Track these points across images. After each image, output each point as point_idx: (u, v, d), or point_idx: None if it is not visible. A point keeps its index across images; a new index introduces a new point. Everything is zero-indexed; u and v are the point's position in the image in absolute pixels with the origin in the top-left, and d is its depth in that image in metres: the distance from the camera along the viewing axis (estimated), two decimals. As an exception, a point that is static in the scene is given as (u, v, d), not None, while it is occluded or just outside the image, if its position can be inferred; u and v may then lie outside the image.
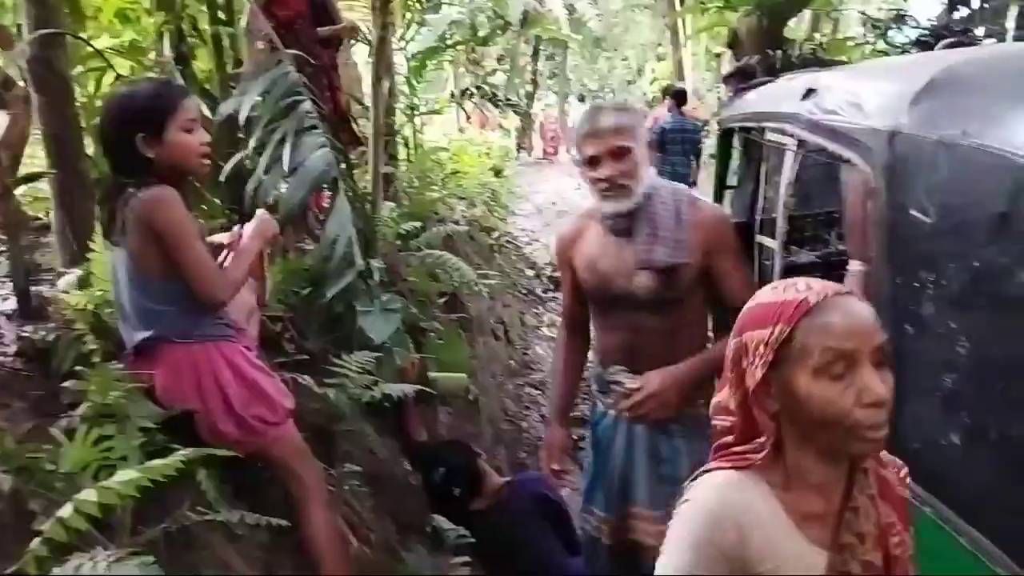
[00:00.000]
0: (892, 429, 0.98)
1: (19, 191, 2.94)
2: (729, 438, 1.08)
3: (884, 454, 1.08)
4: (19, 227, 3.23)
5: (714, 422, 1.12)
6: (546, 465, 2.37)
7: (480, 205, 7.85)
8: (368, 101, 4.47)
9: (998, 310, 1.21)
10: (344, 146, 3.30)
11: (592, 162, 1.97)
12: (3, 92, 3.07)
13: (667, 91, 8.59)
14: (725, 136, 2.97)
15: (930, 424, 1.33)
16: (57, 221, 2.73)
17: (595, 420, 2.30)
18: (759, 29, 6.39)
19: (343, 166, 2.95)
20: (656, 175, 2.09)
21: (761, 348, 1.00)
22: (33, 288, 2.36)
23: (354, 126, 4.17)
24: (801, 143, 1.92)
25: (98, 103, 3.52)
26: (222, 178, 2.98)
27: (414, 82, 6.54)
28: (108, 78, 3.50)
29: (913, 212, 1.36)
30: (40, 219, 3.51)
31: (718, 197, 3.07)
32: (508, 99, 10.70)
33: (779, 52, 4.08)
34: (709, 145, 8.92)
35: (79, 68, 3.53)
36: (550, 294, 7.45)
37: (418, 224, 4.45)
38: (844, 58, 6.29)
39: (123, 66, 3.77)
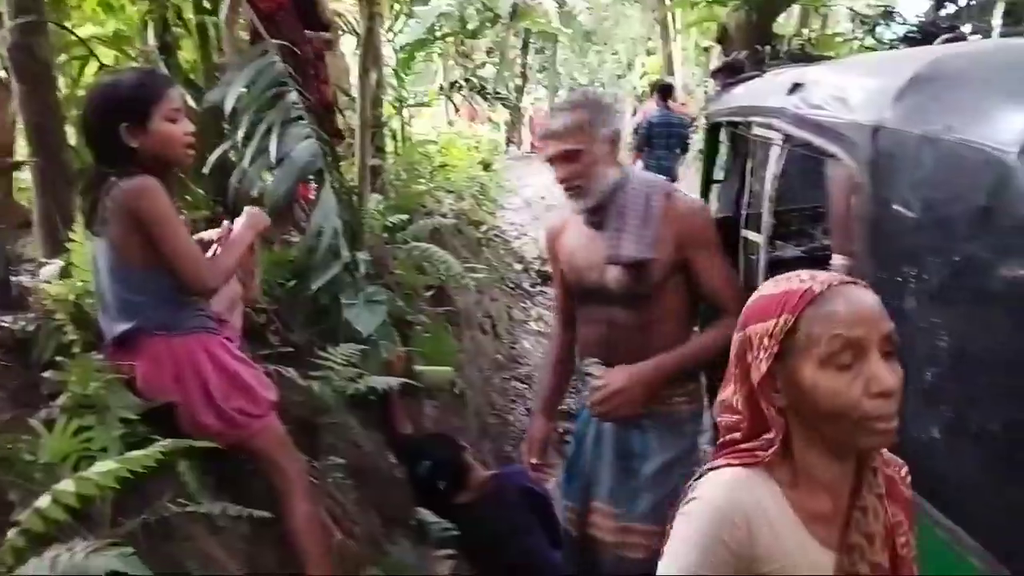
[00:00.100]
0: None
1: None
2: (736, 435, 1.05)
3: (885, 452, 1.06)
4: (12, 217, 3.20)
5: (719, 420, 1.08)
6: (526, 458, 2.37)
7: (468, 198, 7.83)
8: (356, 93, 4.45)
9: (980, 305, 1.22)
10: (330, 138, 3.27)
11: (551, 162, 2.00)
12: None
13: (655, 86, 8.62)
14: (712, 130, 2.97)
15: (912, 418, 1.33)
16: (39, 211, 2.70)
17: (578, 412, 2.31)
18: (748, 24, 6.41)
19: (329, 158, 2.93)
20: (640, 168, 2.09)
21: (766, 340, 0.97)
22: (14, 278, 2.34)
23: (340, 118, 4.14)
24: (787, 138, 1.93)
25: (81, 92, 3.49)
26: (206, 170, 2.95)
27: (402, 74, 6.51)
28: (91, 68, 3.47)
29: (897, 207, 1.37)
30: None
31: (705, 191, 3.08)
32: (497, 92, 10.67)
33: (768, 47, 4.08)
34: (698, 140, 8.94)
35: (63, 57, 3.49)
36: (538, 288, 7.44)
37: (405, 217, 4.44)
38: (832, 54, 6.31)
39: (107, 56, 3.73)
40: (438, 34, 8.07)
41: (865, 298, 0.95)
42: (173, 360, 1.81)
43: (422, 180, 6.33)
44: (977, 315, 1.23)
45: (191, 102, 3.09)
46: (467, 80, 10.04)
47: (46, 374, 1.82)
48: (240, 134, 2.78)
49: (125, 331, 1.81)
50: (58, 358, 1.83)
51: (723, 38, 6.97)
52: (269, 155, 2.68)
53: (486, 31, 11.63)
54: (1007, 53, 1.65)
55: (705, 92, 10.81)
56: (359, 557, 2.28)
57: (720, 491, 1.00)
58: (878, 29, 7.05)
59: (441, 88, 10.04)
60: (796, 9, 9.55)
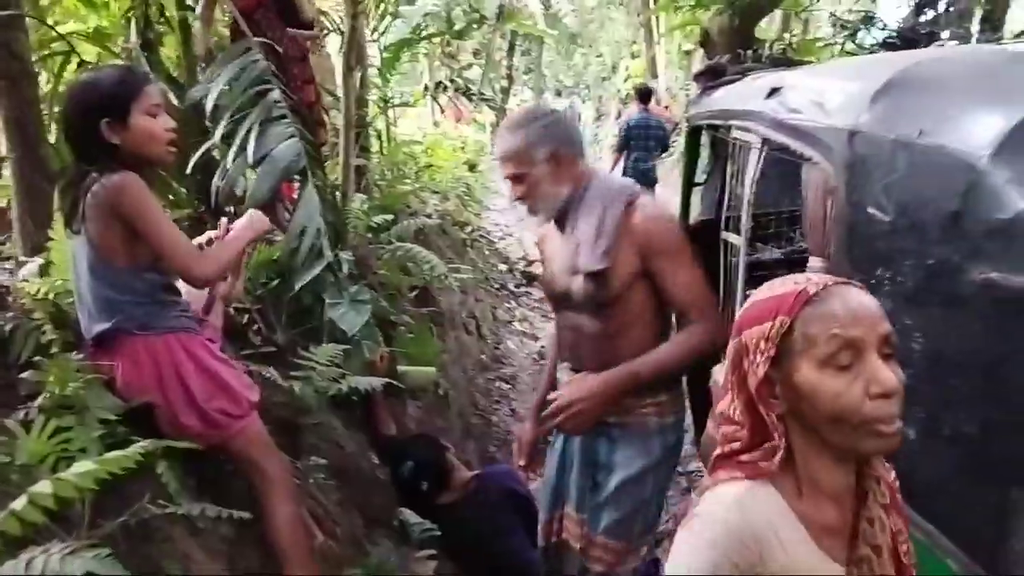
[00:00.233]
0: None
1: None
2: (736, 445, 1.01)
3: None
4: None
5: (721, 431, 1.04)
6: (515, 460, 2.38)
7: (453, 199, 7.83)
8: (340, 92, 4.43)
9: (953, 308, 1.24)
10: (313, 137, 3.27)
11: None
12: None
13: (636, 90, 8.74)
14: (693, 134, 3.00)
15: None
16: (18, 208, 2.68)
17: None
18: (730, 28, 6.46)
19: (312, 157, 2.93)
20: (621, 169, 2.09)
21: (762, 344, 0.95)
22: (-8, 277, 2.32)
23: (325, 117, 4.13)
24: (765, 141, 1.95)
25: (62, 89, 3.45)
26: (189, 169, 2.93)
27: (387, 74, 6.49)
28: (73, 64, 3.43)
29: (871, 210, 1.39)
30: None
31: (686, 194, 3.10)
32: (482, 94, 10.67)
33: (750, 51, 4.12)
34: (680, 143, 8.99)
35: (44, 53, 3.46)
36: (522, 289, 7.46)
37: (390, 217, 4.43)
38: (813, 58, 6.37)
39: (89, 52, 3.70)
40: (424, 34, 8.05)
41: (862, 298, 0.94)
42: (153, 360, 1.80)
43: (407, 180, 6.32)
44: (950, 318, 1.25)
45: (173, 99, 3.08)
46: (452, 81, 10.03)
47: (24, 374, 1.80)
48: (221, 132, 2.77)
49: (105, 330, 1.80)
50: (37, 358, 1.82)
51: (706, 42, 7.02)
52: (248, 154, 2.67)
53: (472, 32, 11.62)
54: (981, 59, 1.68)
55: (687, 96, 10.87)
56: (341, 558, 2.28)
57: (728, 510, 0.95)
58: (859, 34, 7.12)
59: (426, 88, 10.03)
60: (778, 14, 9.64)
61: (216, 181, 2.78)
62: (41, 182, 2.62)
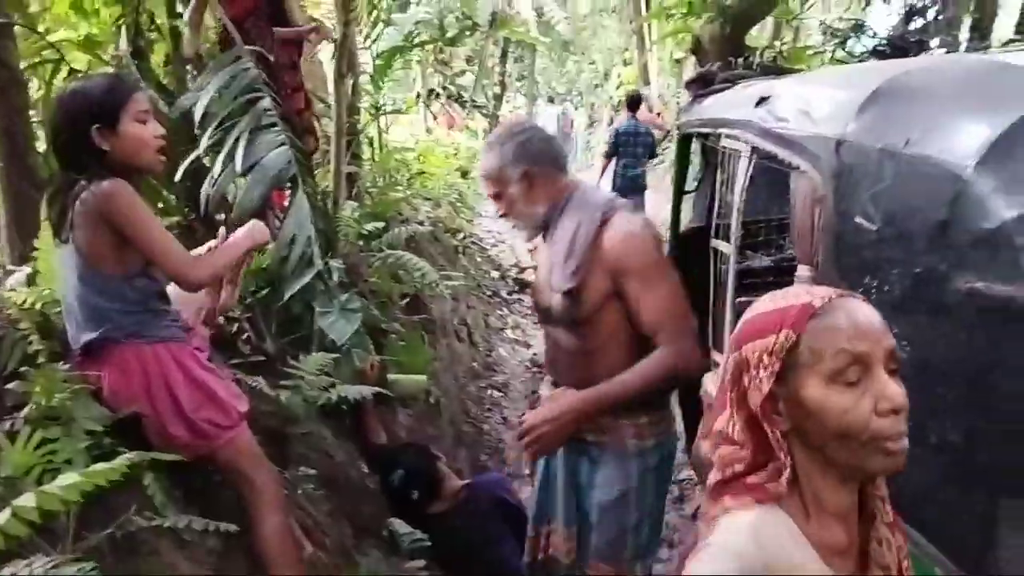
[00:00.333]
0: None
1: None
2: (737, 467, 0.96)
3: None
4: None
5: (718, 453, 0.99)
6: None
7: (446, 206, 7.84)
8: (332, 100, 4.43)
9: (939, 316, 1.25)
10: (303, 145, 3.26)
11: None
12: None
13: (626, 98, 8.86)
14: (684, 141, 3.01)
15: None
16: (5, 217, 2.67)
17: None
18: (721, 36, 6.49)
19: (303, 165, 2.92)
20: (601, 178, 2.07)
21: (765, 358, 0.91)
22: (-21, 286, 2.30)
23: (316, 125, 4.12)
24: (755, 149, 1.95)
25: (53, 96, 3.44)
26: (178, 176, 2.92)
27: (379, 81, 6.50)
28: (62, 72, 3.42)
29: (858, 219, 1.39)
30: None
31: (677, 202, 3.11)
32: (474, 101, 10.69)
33: (741, 59, 4.14)
34: (672, 149, 9.03)
35: (35, 60, 3.44)
36: (515, 296, 7.46)
37: (381, 224, 4.42)
38: (804, 66, 6.41)
39: (79, 60, 3.69)
40: (416, 41, 8.06)
41: (867, 312, 0.92)
42: (142, 369, 1.79)
43: (399, 187, 6.32)
44: (936, 327, 1.25)
45: (163, 107, 3.07)
46: (444, 88, 10.05)
47: (10, 385, 1.79)
48: (209, 139, 2.77)
49: (92, 339, 1.78)
50: (23, 368, 1.80)
51: (697, 49, 7.05)
52: (239, 162, 2.67)
53: (465, 39, 11.64)
54: (968, 68, 1.69)
55: (678, 104, 10.94)
56: (330, 568, 2.26)
57: (743, 541, 0.91)
58: (849, 42, 7.17)
59: (418, 96, 10.05)
60: (769, 22, 9.69)
61: (206, 188, 2.78)
62: (29, 191, 2.61)
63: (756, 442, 0.95)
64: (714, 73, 3.12)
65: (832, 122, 1.53)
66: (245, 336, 2.71)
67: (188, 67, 3.47)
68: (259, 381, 2.35)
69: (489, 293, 7.20)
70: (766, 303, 0.97)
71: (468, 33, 11.04)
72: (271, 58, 3.24)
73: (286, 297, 2.66)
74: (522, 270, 7.92)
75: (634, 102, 8.17)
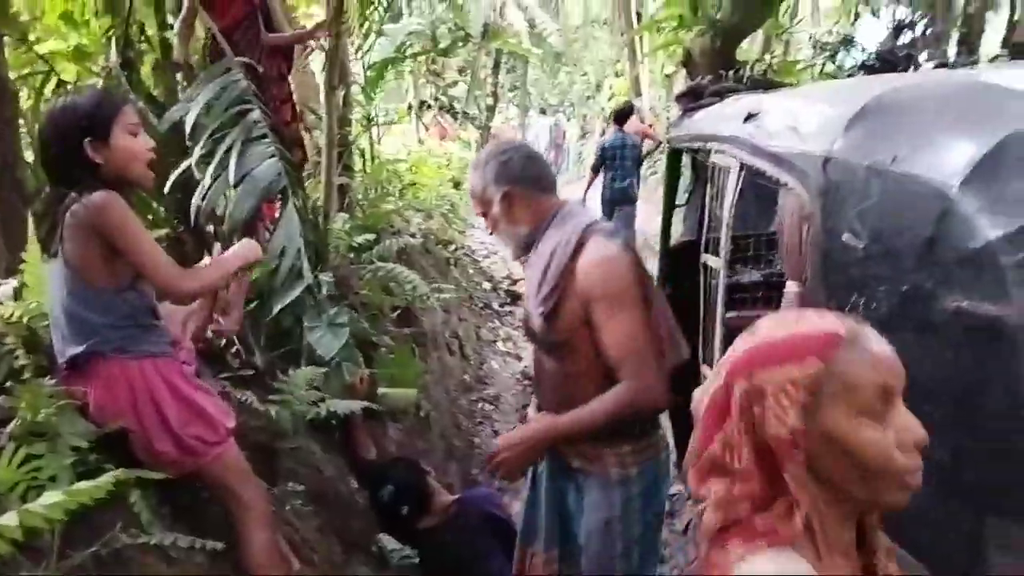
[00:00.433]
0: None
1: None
2: (743, 508, 0.89)
3: None
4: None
5: (714, 491, 0.92)
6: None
7: (438, 217, 7.83)
8: (323, 111, 4.43)
9: (924, 335, 1.25)
10: (292, 157, 3.26)
11: None
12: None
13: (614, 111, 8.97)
14: (674, 155, 3.02)
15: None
16: (-8, 230, 2.65)
17: None
18: (712, 49, 6.53)
19: (293, 177, 2.92)
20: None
21: (790, 388, 0.85)
22: (-37, 300, 2.27)
23: (307, 137, 4.12)
24: (743, 165, 1.96)
25: (43, 107, 3.43)
26: (167, 188, 2.91)
27: (371, 92, 6.50)
28: (52, 83, 3.42)
29: (846, 236, 1.40)
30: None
31: (667, 215, 3.12)
32: (465, 112, 10.71)
33: (731, 72, 4.16)
34: (662, 162, 9.09)
35: (24, 72, 3.44)
36: (507, 308, 7.45)
37: (372, 236, 4.41)
38: (793, 80, 6.46)
39: (69, 71, 3.68)
40: (408, 53, 8.08)
41: (886, 342, 0.89)
42: (128, 384, 1.77)
43: (390, 199, 6.31)
44: (923, 344, 1.26)
45: (152, 119, 3.06)
46: (436, 99, 10.07)
47: (-5, 400, 1.77)
48: (200, 151, 2.76)
49: (79, 353, 1.77)
50: (8, 383, 1.79)
51: (688, 62, 7.10)
52: (229, 174, 2.66)
53: (458, 50, 11.69)
54: (955, 87, 1.71)
55: (668, 118, 11.03)
56: (318, 585, 2.24)
57: None
58: (838, 56, 7.23)
59: (410, 107, 10.06)
60: (759, 35, 9.77)
61: (195, 200, 2.77)
62: (17, 202, 2.60)
63: (764, 476, 0.89)
64: (704, 86, 3.14)
65: (819, 139, 1.54)
66: (234, 350, 2.69)
67: (179, 77, 3.47)
68: (248, 395, 2.33)
69: (481, 305, 7.20)
70: (773, 328, 0.91)
71: (460, 44, 11.11)
72: (260, 69, 3.23)
73: (275, 310, 2.65)
74: (514, 282, 7.92)
75: (620, 116, 8.25)
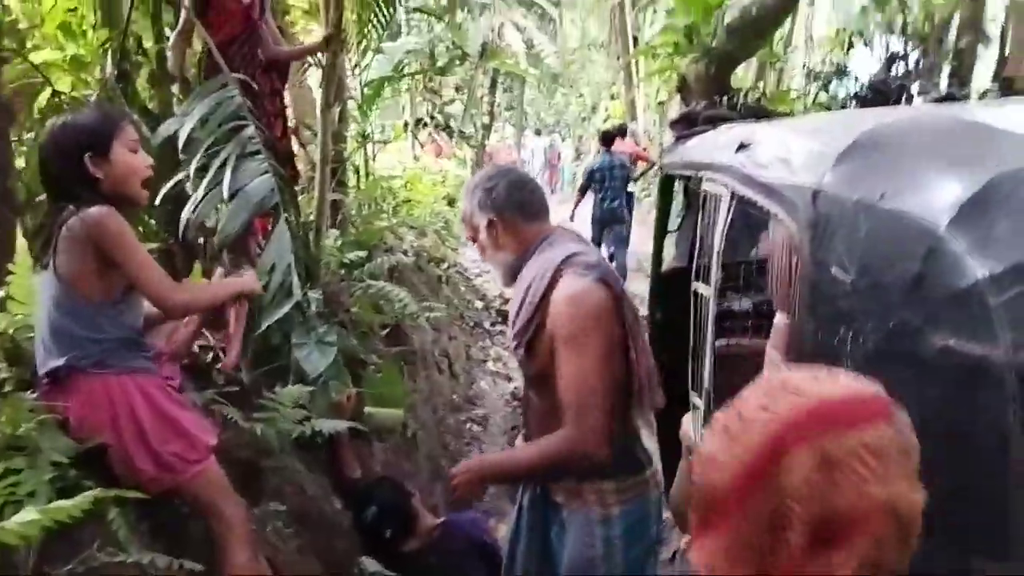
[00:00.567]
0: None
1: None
2: None
3: None
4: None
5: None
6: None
7: (431, 234, 7.84)
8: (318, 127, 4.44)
9: (911, 372, 1.25)
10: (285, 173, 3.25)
11: None
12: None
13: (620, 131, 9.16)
14: (667, 181, 3.03)
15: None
16: (-20, 240, 2.62)
17: None
18: (707, 76, 6.59)
19: (286, 193, 2.91)
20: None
21: (864, 454, 0.79)
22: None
23: (303, 153, 4.12)
24: (734, 194, 1.97)
25: (35, 117, 3.42)
26: (158, 200, 2.90)
27: (367, 110, 6.53)
28: (45, 93, 3.41)
29: (834, 269, 1.40)
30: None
31: (659, 241, 3.12)
32: (461, 130, 10.77)
33: (725, 99, 4.20)
34: (656, 183, 9.16)
35: (18, 82, 3.43)
36: (498, 327, 7.44)
37: (364, 253, 4.41)
38: (787, 108, 6.53)
39: (64, 82, 3.68)
40: (405, 71, 8.14)
41: None
42: (108, 400, 1.76)
43: (384, 215, 6.32)
44: (910, 382, 1.25)
45: (146, 132, 3.06)
46: (432, 118, 10.12)
47: (-26, 413, 1.75)
48: (194, 165, 2.76)
49: (58, 367, 1.76)
50: (-11, 396, 1.77)
51: (683, 88, 7.16)
52: (223, 188, 2.66)
53: (455, 69, 11.77)
54: (946, 124, 1.72)
55: (660, 144, 11.16)
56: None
57: None
58: (831, 86, 7.32)
59: (406, 125, 10.10)
60: (753, 63, 9.88)
61: (186, 213, 2.76)
62: (6, 213, 2.57)
63: (807, 555, 0.79)
64: (698, 113, 3.16)
65: (809, 171, 1.54)
66: (220, 365, 2.67)
67: (174, 89, 3.47)
68: (232, 412, 2.31)
69: (472, 324, 7.18)
70: (816, 386, 0.84)
71: (458, 63, 11.19)
72: (255, 86, 3.24)
73: (263, 326, 2.63)
74: (506, 301, 7.90)
75: (607, 138, 8.47)
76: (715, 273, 2.11)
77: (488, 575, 2.59)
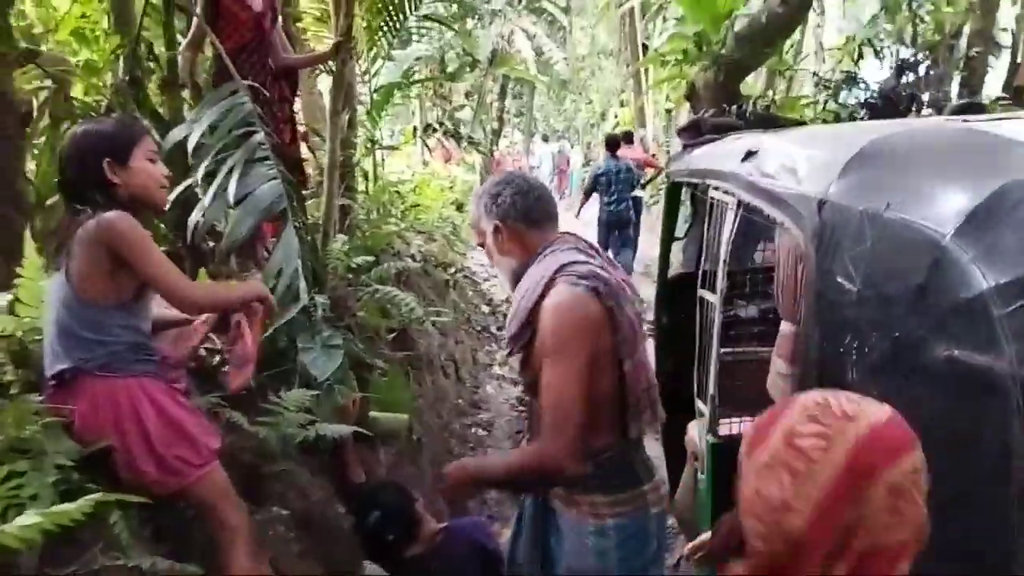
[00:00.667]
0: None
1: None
2: None
3: None
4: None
5: None
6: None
7: (439, 239, 7.85)
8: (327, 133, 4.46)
9: (915, 382, 1.24)
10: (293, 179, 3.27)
11: None
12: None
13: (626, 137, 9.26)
14: (674, 189, 3.03)
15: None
16: (-9, 242, 2.64)
17: None
18: (716, 83, 6.59)
19: (293, 199, 2.92)
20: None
21: (916, 479, 0.83)
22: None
23: (312, 158, 4.14)
24: (741, 203, 1.97)
25: (44, 123, 3.45)
26: (166, 205, 2.92)
27: (376, 116, 6.55)
28: (58, 98, 3.44)
29: (840, 279, 1.40)
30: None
31: (666, 248, 3.12)
32: (470, 136, 10.81)
33: (734, 107, 4.20)
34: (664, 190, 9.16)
35: (31, 86, 3.46)
36: (504, 332, 7.43)
37: (371, 258, 4.41)
38: (796, 115, 6.51)
39: (76, 87, 3.71)
40: (415, 78, 8.18)
41: None
42: (113, 402, 1.77)
43: (392, 220, 6.33)
44: (914, 391, 1.25)
45: (156, 137, 3.08)
46: (441, 124, 10.16)
47: (-20, 416, 1.76)
48: (203, 170, 2.77)
49: (64, 369, 1.77)
50: (-5, 398, 1.78)
51: (692, 96, 7.17)
52: (230, 193, 2.67)
53: (465, 75, 11.82)
54: (951, 135, 1.71)
55: (668, 152, 11.15)
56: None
57: None
58: (841, 94, 7.30)
59: (415, 130, 10.14)
60: (763, 71, 9.87)
61: (194, 217, 2.77)
62: (15, 216, 2.60)
63: None
64: (705, 120, 3.16)
65: (815, 181, 1.54)
66: (226, 369, 2.68)
67: (185, 95, 3.50)
68: (237, 416, 2.32)
69: (478, 328, 7.18)
70: (867, 410, 0.87)
71: (468, 69, 11.24)
72: (266, 93, 3.26)
73: (270, 330, 2.64)
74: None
75: (612, 144, 8.57)
76: (721, 280, 2.11)
77: (490, 582, 2.58)
